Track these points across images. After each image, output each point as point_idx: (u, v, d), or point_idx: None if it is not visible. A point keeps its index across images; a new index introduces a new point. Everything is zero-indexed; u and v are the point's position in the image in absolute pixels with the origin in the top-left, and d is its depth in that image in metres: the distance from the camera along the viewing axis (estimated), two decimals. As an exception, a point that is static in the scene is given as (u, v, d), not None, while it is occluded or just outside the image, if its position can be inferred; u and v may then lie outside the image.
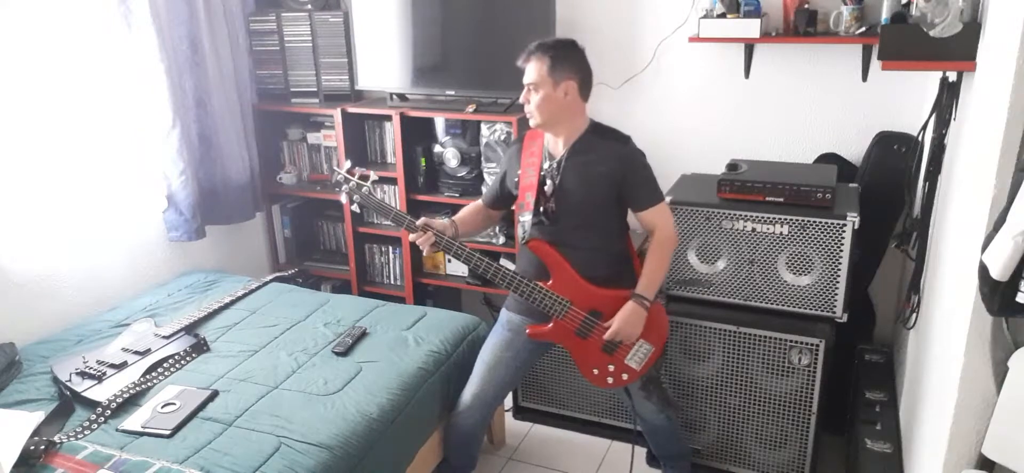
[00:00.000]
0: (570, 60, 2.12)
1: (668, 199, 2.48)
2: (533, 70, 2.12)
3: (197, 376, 2.33)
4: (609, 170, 2.16)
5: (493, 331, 2.41)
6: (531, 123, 2.18)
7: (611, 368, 2.26)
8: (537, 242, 2.21)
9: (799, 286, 2.41)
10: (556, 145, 2.22)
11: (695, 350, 2.57)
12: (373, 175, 2.35)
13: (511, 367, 2.36)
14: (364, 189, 2.30)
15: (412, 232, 2.24)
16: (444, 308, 2.85)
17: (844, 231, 2.31)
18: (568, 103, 2.13)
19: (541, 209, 2.21)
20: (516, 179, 2.28)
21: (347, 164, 2.39)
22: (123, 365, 2.35)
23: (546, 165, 2.21)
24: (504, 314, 2.38)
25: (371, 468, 2.08)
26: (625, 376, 2.27)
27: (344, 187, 2.32)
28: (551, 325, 2.23)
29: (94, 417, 2.10)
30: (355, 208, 2.40)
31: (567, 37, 2.19)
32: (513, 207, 2.40)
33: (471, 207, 2.45)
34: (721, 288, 2.52)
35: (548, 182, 2.20)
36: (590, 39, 2.13)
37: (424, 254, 2.30)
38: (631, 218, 2.28)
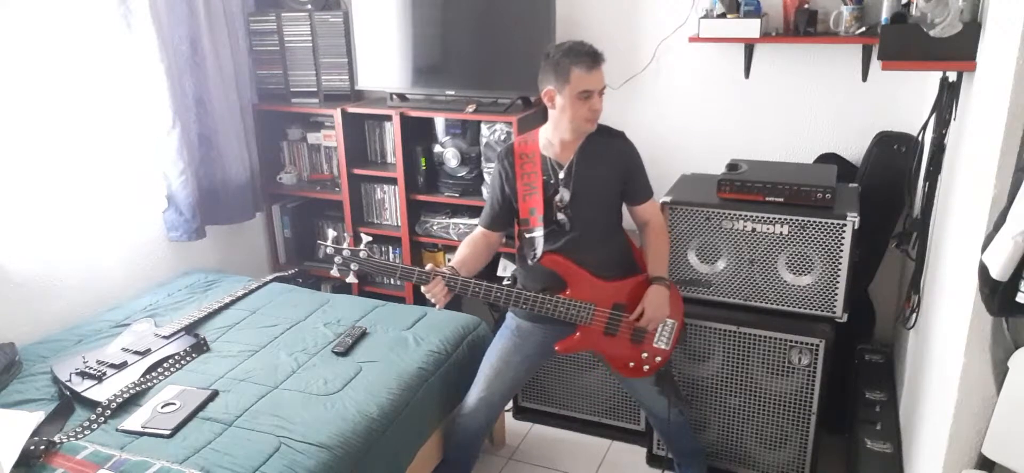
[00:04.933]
0: None
1: (668, 199, 2.49)
2: (603, 74, 2.09)
3: (197, 376, 2.33)
4: (616, 167, 2.19)
5: (499, 334, 2.39)
6: (589, 130, 2.13)
7: (644, 355, 2.26)
8: (549, 257, 2.20)
9: (799, 286, 2.41)
10: (562, 152, 2.19)
11: (695, 350, 2.57)
12: (366, 238, 2.20)
13: (519, 371, 2.35)
14: (362, 254, 2.15)
15: (423, 285, 2.12)
16: (444, 308, 2.84)
17: (844, 231, 2.31)
18: None
19: (555, 220, 2.19)
20: (516, 194, 2.22)
21: (331, 235, 2.16)
22: (123, 365, 2.35)
23: (557, 175, 2.19)
24: (512, 319, 2.36)
25: (371, 468, 2.08)
26: (659, 358, 2.28)
27: (336, 261, 2.15)
28: (578, 334, 2.22)
29: (94, 417, 2.10)
30: (353, 278, 2.20)
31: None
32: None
33: (469, 245, 2.30)
34: (721, 288, 2.52)
35: (561, 191, 2.18)
36: (590, 39, 2.12)
37: (438, 308, 2.18)
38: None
